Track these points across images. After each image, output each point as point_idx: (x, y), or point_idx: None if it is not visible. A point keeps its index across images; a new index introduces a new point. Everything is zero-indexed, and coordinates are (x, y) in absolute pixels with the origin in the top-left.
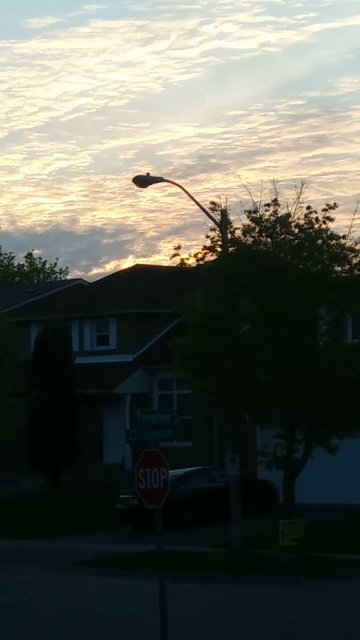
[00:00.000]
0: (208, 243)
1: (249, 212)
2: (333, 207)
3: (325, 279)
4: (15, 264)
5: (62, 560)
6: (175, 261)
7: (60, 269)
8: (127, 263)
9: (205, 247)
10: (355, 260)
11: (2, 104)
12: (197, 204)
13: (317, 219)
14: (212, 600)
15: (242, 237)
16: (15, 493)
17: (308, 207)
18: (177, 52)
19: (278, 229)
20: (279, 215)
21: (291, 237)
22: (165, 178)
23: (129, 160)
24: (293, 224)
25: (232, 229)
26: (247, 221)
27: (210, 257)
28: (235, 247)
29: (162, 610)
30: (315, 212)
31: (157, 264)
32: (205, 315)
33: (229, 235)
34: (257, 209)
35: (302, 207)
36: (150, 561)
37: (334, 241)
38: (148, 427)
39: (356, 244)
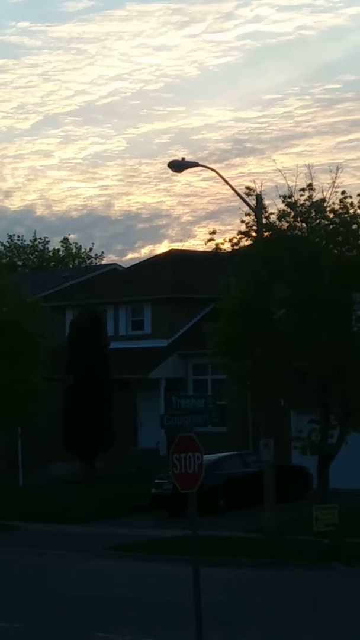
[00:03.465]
0: (243, 228)
1: (284, 196)
2: None
3: None
4: (51, 248)
5: (96, 545)
6: (210, 246)
7: (96, 254)
8: (162, 248)
9: (240, 232)
10: None
11: (37, 88)
12: (232, 188)
13: (352, 204)
14: (246, 586)
15: (277, 222)
16: (50, 478)
17: (343, 192)
18: (213, 35)
19: (313, 214)
20: (314, 200)
21: (326, 222)
22: (200, 163)
23: (164, 144)
24: (328, 208)
25: (267, 214)
26: (282, 206)
27: (245, 242)
28: (270, 232)
29: (196, 595)
30: (351, 196)
31: (192, 248)
32: (240, 300)
33: (264, 220)
34: (292, 193)
35: (337, 191)
36: (184, 546)
37: None
38: (183, 412)
39: None
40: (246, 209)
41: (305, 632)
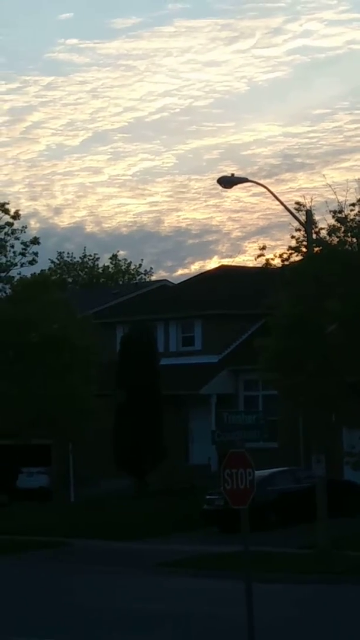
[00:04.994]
0: (293, 243)
1: (334, 212)
2: None
3: None
4: (100, 265)
5: (148, 561)
6: (261, 261)
7: (145, 270)
8: (212, 264)
9: (290, 248)
10: None
11: (86, 105)
12: (282, 204)
13: None
14: (300, 602)
15: (327, 237)
16: (101, 494)
17: None
18: (262, 50)
19: None
20: None
21: None
22: (249, 178)
23: (213, 160)
24: None
25: (317, 229)
26: (332, 221)
27: (296, 257)
28: (320, 248)
29: (249, 611)
30: None
31: (242, 264)
32: (291, 315)
33: (314, 236)
34: (342, 208)
35: None
36: (236, 562)
37: None
38: (234, 427)
39: None
40: (296, 224)
41: None
